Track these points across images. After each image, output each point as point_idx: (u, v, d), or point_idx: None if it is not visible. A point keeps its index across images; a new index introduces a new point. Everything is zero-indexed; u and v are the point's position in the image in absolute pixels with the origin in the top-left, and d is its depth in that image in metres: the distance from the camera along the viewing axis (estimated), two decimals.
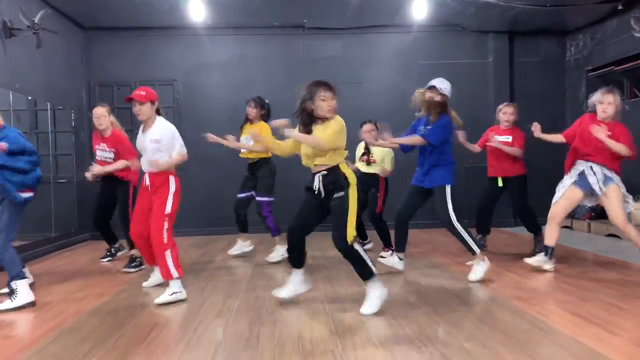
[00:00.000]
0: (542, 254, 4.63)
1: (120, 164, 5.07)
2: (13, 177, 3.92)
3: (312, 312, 3.50)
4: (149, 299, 3.92)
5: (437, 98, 4.39)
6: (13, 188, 3.90)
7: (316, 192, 3.45)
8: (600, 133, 4.25)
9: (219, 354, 2.76)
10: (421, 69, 8.02)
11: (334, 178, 3.40)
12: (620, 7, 6.69)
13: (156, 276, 4.30)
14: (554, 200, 4.68)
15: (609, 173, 4.38)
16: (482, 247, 5.30)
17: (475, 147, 5.55)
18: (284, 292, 3.68)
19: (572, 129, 4.64)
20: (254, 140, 5.04)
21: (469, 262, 4.59)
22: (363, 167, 5.53)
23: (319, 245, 5.87)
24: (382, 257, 4.97)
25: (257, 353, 2.74)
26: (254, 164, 5.53)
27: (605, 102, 4.35)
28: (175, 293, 3.83)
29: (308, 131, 3.46)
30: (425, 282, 4.36)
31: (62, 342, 3.01)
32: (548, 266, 4.58)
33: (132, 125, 7.50)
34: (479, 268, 4.32)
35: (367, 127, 5.47)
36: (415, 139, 4.43)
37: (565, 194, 4.58)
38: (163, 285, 4.07)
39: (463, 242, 4.37)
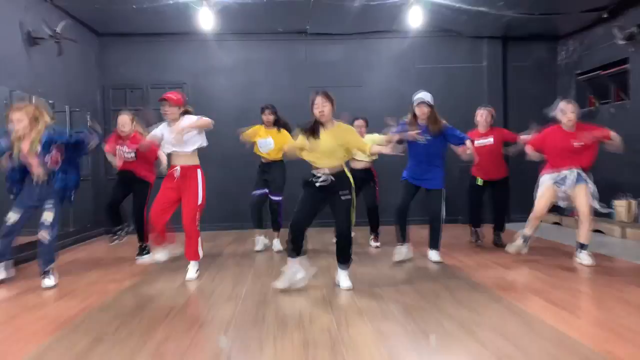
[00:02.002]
0: (521, 240, 5.17)
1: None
2: (73, 177, 4.53)
3: (311, 296, 3.91)
4: (163, 288, 4.35)
5: (428, 110, 4.96)
6: (71, 190, 4.53)
7: (321, 186, 3.97)
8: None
9: (230, 330, 3.17)
10: (418, 73, 8.42)
11: (341, 179, 4.03)
12: (605, 15, 7.06)
13: (162, 253, 4.78)
14: (536, 198, 5.14)
15: (583, 175, 4.88)
16: (478, 240, 6.14)
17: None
18: (281, 283, 4.11)
19: (539, 138, 5.09)
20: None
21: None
22: (357, 164, 5.91)
23: (320, 239, 6.33)
24: (374, 246, 5.82)
25: (264, 330, 3.14)
26: (268, 163, 5.94)
27: (568, 112, 4.87)
28: (198, 270, 4.69)
29: (315, 138, 4.01)
30: (417, 272, 4.76)
31: (92, 321, 3.43)
32: (525, 250, 5.20)
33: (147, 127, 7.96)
34: (436, 255, 5.14)
35: (358, 122, 5.97)
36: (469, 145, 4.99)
37: (545, 193, 5.06)
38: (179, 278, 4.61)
39: (437, 235, 5.13)
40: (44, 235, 4.41)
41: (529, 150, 5.20)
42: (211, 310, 3.63)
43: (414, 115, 5.06)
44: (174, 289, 4.31)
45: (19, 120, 4.28)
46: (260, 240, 6.12)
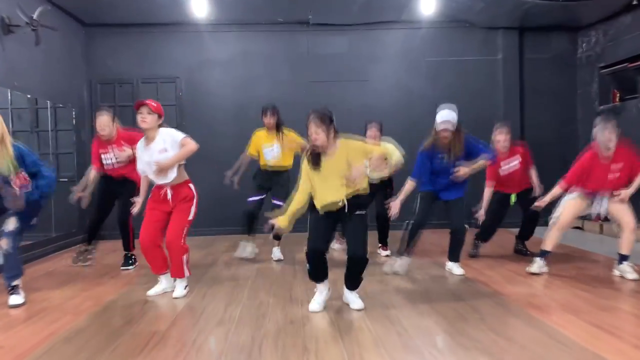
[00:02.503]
0: (539, 259, 4.62)
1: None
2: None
3: (317, 319, 3.36)
4: (147, 306, 3.80)
5: (450, 134, 4.44)
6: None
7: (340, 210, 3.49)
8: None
9: None
10: (428, 66, 7.90)
11: (361, 200, 3.53)
12: (635, 2, 6.50)
13: (162, 286, 4.17)
14: (560, 209, 4.64)
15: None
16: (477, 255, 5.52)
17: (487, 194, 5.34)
18: (316, 306, 3.59)
19: (577, 173, 4.53)
20: None
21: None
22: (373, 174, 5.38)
23: None
24: (384, 255, 5.46)
25: None
26: (271, 172, 5.41)
27: (607, 134, 4.36)
28: (187, 286, 4.13)
29: (318, 166, 3.45)
30: (434, 287, 4.22)
31: (57, 352, 2.88)
32: (545, 269, 4.62)
33: (134, 124, 7.40)
34: (457, 267, 4.70)
35: (371, 132, 5.34)
36: (483, 163, 4.54)
37: (573, 203, 4.61)
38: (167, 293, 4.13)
39: (460, 248, 4.71)
40: (2, 244, 3.89)
41: (561, 190, 4.63)
42: (198, 338, 3.08)
43: (437, 136, 4.50)
44: (159, 308, 3.77)
45: None
46: (246, 247, 5.56)
